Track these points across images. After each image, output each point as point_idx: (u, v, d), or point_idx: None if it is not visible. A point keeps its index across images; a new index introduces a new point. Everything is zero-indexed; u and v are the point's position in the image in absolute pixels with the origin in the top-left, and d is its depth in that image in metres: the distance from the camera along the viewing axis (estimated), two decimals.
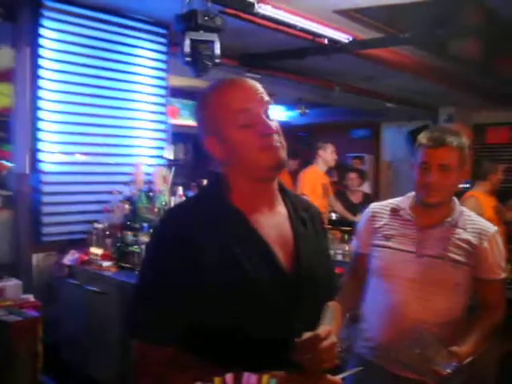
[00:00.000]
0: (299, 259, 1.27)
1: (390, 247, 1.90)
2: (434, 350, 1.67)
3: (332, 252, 3.58)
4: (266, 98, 1.26)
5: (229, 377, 0.97)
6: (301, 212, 1.36)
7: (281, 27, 4.44)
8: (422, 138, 1.87)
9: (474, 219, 1.90)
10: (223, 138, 1.24)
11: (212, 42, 3.57)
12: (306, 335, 1.14)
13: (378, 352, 1.88)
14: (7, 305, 2.41)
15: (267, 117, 1.24)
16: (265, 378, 0.98)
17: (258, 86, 1.28)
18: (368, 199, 6.08)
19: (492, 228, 1.88)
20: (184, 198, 3.89)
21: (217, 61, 3.63)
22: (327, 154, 5.71)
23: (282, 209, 1.33)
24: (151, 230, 3.37)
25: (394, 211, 1.95)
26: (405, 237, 1.88)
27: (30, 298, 2.56)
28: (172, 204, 3.85)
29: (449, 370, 1.66)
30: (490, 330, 1.87)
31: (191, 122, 8.47)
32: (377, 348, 1.88)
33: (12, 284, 2.61)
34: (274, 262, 1.22)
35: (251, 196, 1.27)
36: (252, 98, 1.24)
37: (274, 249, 1.23)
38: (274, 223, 1.28)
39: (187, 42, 3.48)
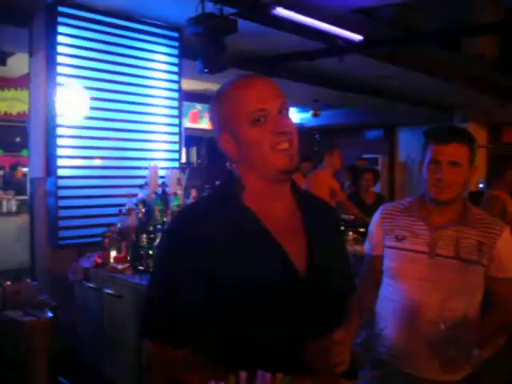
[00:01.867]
0: (313, 261, 1.25)
1: (402, 248, 1.89)
2: (461, 343, 1.68)
3: None
4: (283, 97, 1.24)
5: (243, 374, 0.97)
6: (315, 213, 1.34)
7: (294, 29, 4.45)
8: (431, 135, 1.86)
9: (485, 218, 1.89)
10: (236, 135, 1.23)
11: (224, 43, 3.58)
12: (319, 339, 1.14)
13: (394, 352, 1.87)
14: (23, 306, 2.44)
15: (283, 116, 1.23)
16: (279, 375, 0.97)
17: (275, 85, 1.26)
18: (381, 200, 6.04)
19: (503, 227, 1.87)
20: None
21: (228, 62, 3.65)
22: (334, 158, 5.71)
23: (295, 210, 1.32)
24: (163, 231, 3.38)
25: (405, 212, 1.94)
26: (417, 237, 1.87)
27: (46, 298, 2.59)
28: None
29: (467, 364, 1.67)
30: (506, 328, 1.86)
31: (205, 125, 8.54)
32: (392, 348, 1.87)
33: (28, 285, 2.65)
34: (287, 264, 1.21)
35: (264, 196, 1.26)
36: (266, 96, 1.22)
37: (287, 250, 1.22)
38: (287, 224, 1.27)
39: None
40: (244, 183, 1.26)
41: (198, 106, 8.59)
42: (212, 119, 1.32)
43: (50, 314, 2.31)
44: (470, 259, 1.80)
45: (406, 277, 1.87)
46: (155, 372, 1.20)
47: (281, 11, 4.09)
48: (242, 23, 3.84)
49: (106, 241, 3.72)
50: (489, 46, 6.20)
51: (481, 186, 8.04)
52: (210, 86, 7.32)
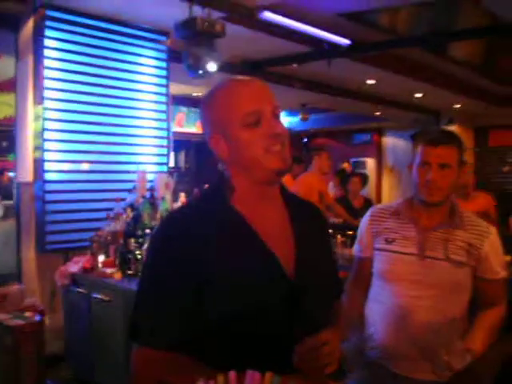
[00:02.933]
0: (301, 264, 1.25)
1: (391, 250, 1.90)
2: (450, 345, 1.71)
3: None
4: (275, 100, 1.24)
5: (232, 374, 0.97)
6: (303, 216, 1.35)
7: (282, 33, 4.47)
8: (421, 138, 1.88)
9: (473, 220, 1.91)
10: (228, 137, 1.22)
11: (211, 48, 3.59)
12: (307, 340, 1.14)
13: (383, 353, 1.88)
14: (11, 310, 2.42)
15: (275, 119, 1.23)
16: (268, 375, 0.98)
17: (268, 88, 1.26)
18: (369, 203, 6.07)
19: (491, 228, 1.90)
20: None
21: (215, 67, 3.66)
22: (322, 161, 5.72)
23: (284, 213, 1.32)
24: (152, 234, 3.37)
25: (394, 214, 1.96)
26: (406, 239, 1.88)
27: (34, 302, 2.57)
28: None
29: (460, 366, 1.70)
30: (496, 328, 1.89)
31: (193, 130, 8.53)
32: (382, 349, 1.88)
33: (16, 289, 2.63)
34: (276, 266, 1.21)
35: (253, 198, 1.26)
36: (260, 98, 1.22)
37: (276, 252, 1.22)
38: (275, 227, 1.27)
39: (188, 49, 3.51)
40: (234, 185, 1.27)
41: (184, 110, 8.57)
42: (203, 120, 1.31)
43: (38, 318, 2.30)
44: (459, 261, 1.82)
45: (396, 279, 1.89)
46: (143, 375, 1.20)
47: (268, 15, 4.11)
48: (229, 27, 3.85)
49: (94, 245, 3.71)
50: (474, 51, 6.27)
51: None
52: (193, 89, 7.35)
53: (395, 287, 1.88)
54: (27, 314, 2.31)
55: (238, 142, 1.22)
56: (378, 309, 1.94)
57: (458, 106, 9.09)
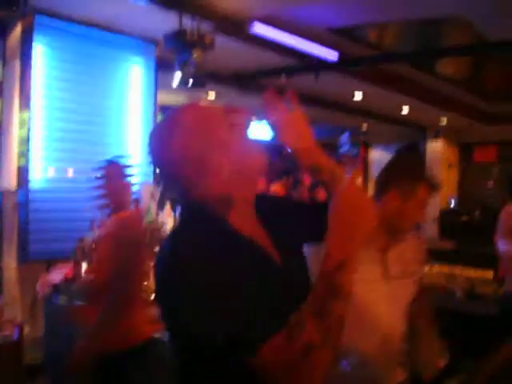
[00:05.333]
0: (285, 268, 1.23)
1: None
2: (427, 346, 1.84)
3: None
4: None
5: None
6: (272, 213, 1.33)
7: (271, 46, 4.49)
8: (424, 177, 1.97)
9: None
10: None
11: (197, 59, 3.60)
12: None
13: (356, 359, 1.87)
14: None
15: None
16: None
17: None
18: None
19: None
20: (172, 215, 3.87)
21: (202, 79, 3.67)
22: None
23: (256, 221, 1.29)
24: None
25: None
26: (368, 262, 1.88)
27: (13, 316, 2.51)
28: (159, 220, 3.84)
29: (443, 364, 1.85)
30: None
31: None
32: (355, 356, 1.87)
33: None
34: (279, 271, 1.21)
35: (242, 212, 1.23)
36: None
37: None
38: (259, 237, 1.24)
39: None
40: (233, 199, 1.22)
41: None
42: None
43: (17, 335, 2.25)
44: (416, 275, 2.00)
45: (363, 296, 1.90)
46: None
47: (258, 29, 4.12)
48: (218, 39, 3.86)
49: (78, 254, 3.66)
50: (461, 68, 6.35)
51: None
52: (181, 99, 7.32)
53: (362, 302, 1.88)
54: (5, 330, 2.26)
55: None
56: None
57: (444, 121, 9.17)
